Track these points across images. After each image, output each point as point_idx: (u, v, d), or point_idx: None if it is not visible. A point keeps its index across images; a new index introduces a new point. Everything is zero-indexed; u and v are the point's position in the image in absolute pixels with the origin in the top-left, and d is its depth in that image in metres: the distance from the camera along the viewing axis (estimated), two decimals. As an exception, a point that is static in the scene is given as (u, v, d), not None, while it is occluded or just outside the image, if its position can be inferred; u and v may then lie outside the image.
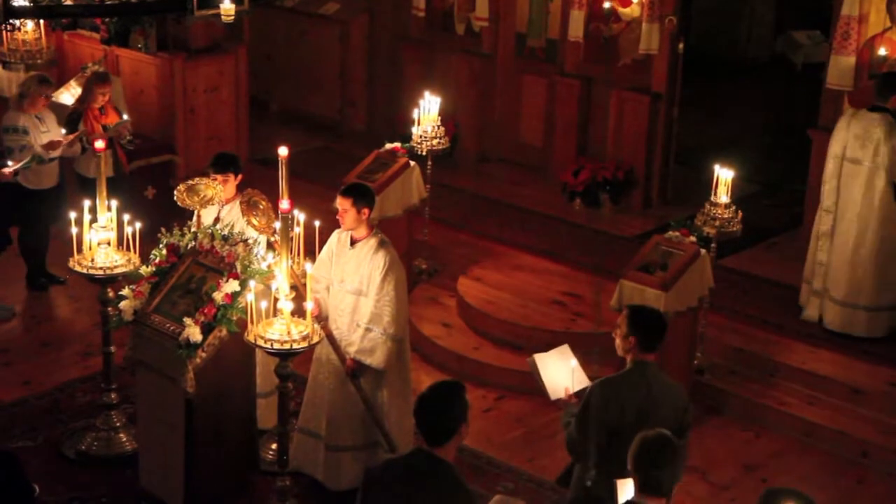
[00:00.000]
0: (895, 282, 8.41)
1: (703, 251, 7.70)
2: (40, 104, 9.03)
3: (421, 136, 9.11)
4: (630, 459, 4.57)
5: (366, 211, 6.62)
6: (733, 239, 8.19)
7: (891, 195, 8.24)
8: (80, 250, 7.02)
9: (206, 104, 10.91)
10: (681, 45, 10.32)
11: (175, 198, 7.08)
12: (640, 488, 4.54)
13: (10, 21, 9.40)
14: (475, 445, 7.39)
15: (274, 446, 7.01)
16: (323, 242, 6.85)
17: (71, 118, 9.29)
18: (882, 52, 8.96)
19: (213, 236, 6.77)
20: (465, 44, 11.58)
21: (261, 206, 6.66)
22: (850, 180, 8.35)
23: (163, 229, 7.00)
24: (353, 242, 6.71)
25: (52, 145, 8.90)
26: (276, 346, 5.98)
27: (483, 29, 11.39)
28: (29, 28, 10.10)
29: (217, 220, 7.22)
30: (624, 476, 4.76)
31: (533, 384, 8.17)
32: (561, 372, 5.90)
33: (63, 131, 9.05)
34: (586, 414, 5.52)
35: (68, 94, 9.95)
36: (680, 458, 4.56)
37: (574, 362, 5.91)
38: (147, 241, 7.13)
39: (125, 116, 9.37)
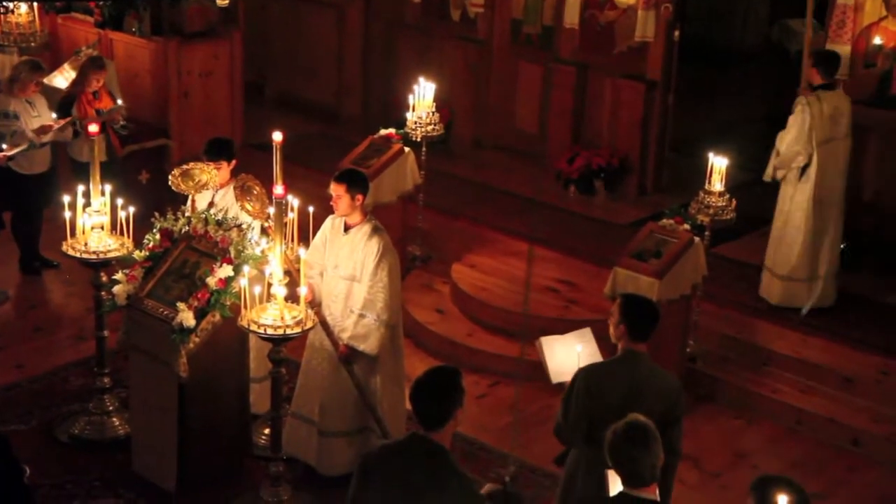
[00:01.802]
0: (827, 249, 8.55)
1: (696, 239, 7.72)
2: (31, 89, 9.00)
3: (416, 123, 9.10)
4: (606, 452, 4.57)
5: (360, 197, 6.61)
6: (727, 227, 8.21)
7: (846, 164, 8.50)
8: (73, 234, 7.02)
9: (200, 88, 10.89)
10: (676, 33, 10.31)
11: (169, 182, 7.07)
12: (623, 480, 4.54)
13: (4, 4, 9.40)
14: (468, 432, 7.40)
15: (267, 431, 7.02)
16: (317, 228, 6.85)
17: (64, 102, 9.28)
18: (877, 40, 8.97)
19: (207, 221, 6.76)
20: (461, 30, 11.56)
21: (255, 192, 6.65)
22: (831, 159, 8.41)
23: (156, 214, 6.99)
24: (346, 228, 6.70)
25: (42, 130, 8.88)
26: (270, 331, 5.98)
27: (479, 15, 11.37)
28: (22, 11, 10.06)
29: (211, 204, 7.21)
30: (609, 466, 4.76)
31: (525, 370, 8.25)
32: (569, 356, 5.90)
33: (54, 116, 9.03)
34: (570, 399, 5.54)
35: (62, 78, 9.92)
36: (657, 443, 4.51)
37: (580, 347, 5.90)
38: (141, 226, 7.12)
39: (119, 102, 9.35)
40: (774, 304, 8.65)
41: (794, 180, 8.45)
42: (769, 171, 8.57)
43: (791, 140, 8.40)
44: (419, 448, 4.48)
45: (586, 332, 6.18)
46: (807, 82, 8.49)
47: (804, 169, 8.41)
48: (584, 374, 5.54)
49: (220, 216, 6.82)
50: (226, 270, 6.48)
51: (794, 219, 8.50)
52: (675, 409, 5.45)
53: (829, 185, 8.46)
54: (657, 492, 4.58)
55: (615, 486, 4.72)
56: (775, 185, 8.66)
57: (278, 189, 5.91)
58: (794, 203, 8.49)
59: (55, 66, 10.32)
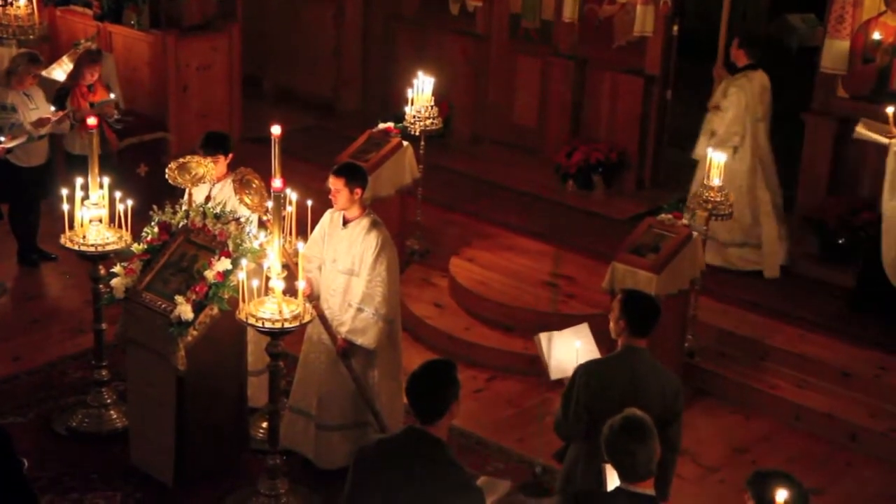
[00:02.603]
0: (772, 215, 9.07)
1: (694, 234, 7.71)
2: (28, 82, 9.00)
3: (414, 117, 9.09)
4: (602, 447, 4.57)
5: (358, 191, 6.61)
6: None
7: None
8: (71, 227, 7.01)
9: (198, 82, 10.88)
10: (675, 28, 10.31)
11: (167, 176, 7.07)
12: (619, 475, 4.54)
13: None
14: (465, 425, 7.41)
15: (265, 425, 7.01)
16: (315, 222, 6.84)
17: (59, 94, 9.27)
18: (876, 35, 8.96)
19: (205, 214, 6.76)
20: (460, 24, 11.55)
21: (253, 185, 6.65)
22: (762, 134, 9.03)
23: (154, 207, 6.99)
24: (345, 222, 6.70)
25: (40, 122, 8.87)
26: (268, 324, 5.98)
27: (477, 9, 11.36)
28: (21, 3, 10.05)
29: (209, 198, 7.21)
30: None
31: (523, 365, 8.26)
32: (567, 352, 5.90)
33: (51, 108, 9.02)
34: (570, 395, 5.54)
35: (60, 71, 9.92)
36: (654, 438, 4.51)
37: (579, 343, 5.90)
38: (139, 219, 7.12)
39: (111, 95, 9.33)
40: (739, 268, 9.11)
41: (730, 158, 8.67)
42: (699, 149, 9.03)
43: (730, 121, 8.93)
44: (415, 441, 4.49)
45: (583, 328, 6.18)
46: (724, 62, 9.11)
47: (734, 148, 8.93)
48: (584, 370, 5.54)
49: (218, 209, 6.82)
50: (224, 264, 6.48)
51: (738, 195, 8.81)
52: (673, 406, 5.44)
53: (763, 158, 9.06)
54: (653, 486, 4.58)
55: (612, 480, 4.72)
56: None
57: (277, 183, 5.90)
58: (732, 175, 8.75)
59: (54, 58, 10.32)
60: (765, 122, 9.08)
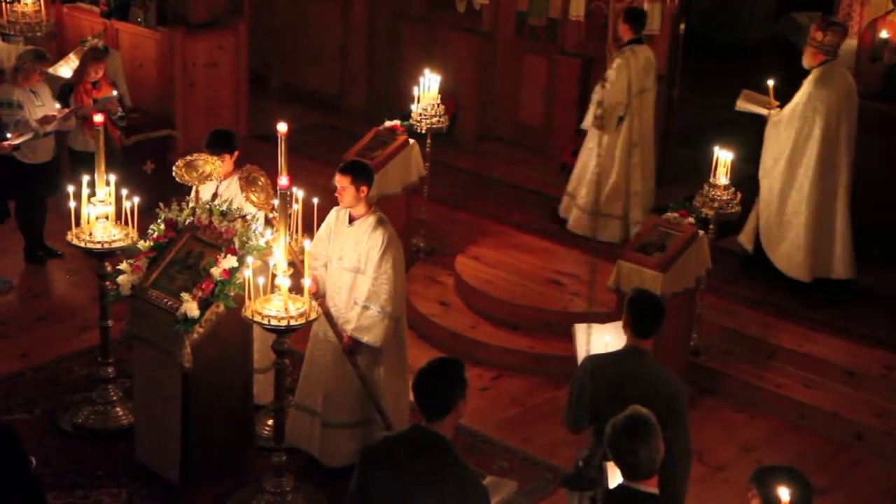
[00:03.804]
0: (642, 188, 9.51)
1: (701, 232, 7.71)
2: (34, 79, 9.01)
3: (420, 114, 9.09)
4: (606, 445, 4.57)
5: (364, 189, 6.61)
6: (732, 220, 8.20)
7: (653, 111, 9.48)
8: (78, 224, 7.02)
9: (205, 79, 10.89)
10: (682, 26, 10.30)
11: (173, 173, 7.07)
12: (622, 473, 4.54)
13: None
14: (471, 424, 7.41)
15: (270, 422, 7.03)
16: (321, 219, 6.84)
17: (63, 91, 9.28)
18: (884, 34, 8.96)
19: (211, 212, 6.77)
20: (466, 22, 11.54)
21: (259, 183, 6.65)
22: (644, 110, 9.37)
23: (161, 204, 7.00)
24: (351, 220, 6.70)
25: (46, 119, 8.88)
26: (274, 322, 5.99)
27: (484, 7, 11.35)
28: (29, 0, 10.06)
29: (215, 195, 7.22)
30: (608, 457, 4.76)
31: (529, 364, 8.26)
32: (598, 346, 5.91)
33: (57, 105, 9.03)
34: (572, 386, 5.60)
35: (67, 68, 9.92)
36: (657, 436, 4.50)
37: (609, 338, 5.91)
38: (145, 216, 7.13)
39: (114, 92, 9.33)
40: (571, 229, 9.60)
41: (612, 129, 9.30)
42: (588, 120, 9.43)
43: (614, 92, 9.21)
44: (421, 439, 4.49)
45: (619, 325, 6.17)
46: (613, 38, 9.56)
47: (620, 118, 9.32)
48: (591, 360, 5.61)
49: (224, 207, 6.82)
50: (230, 261, 6.48)
51: (611, 161, 9.35)
52: (670, 410, 5.38)
53: (642, 130, 9.43)
54: (657, 485, 4.58)
55: (614, 478, 4.72)
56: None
57: (283, 180, 5.90)
58: (608, 147, 9.35)
59: (60, 55, 10.32)
60: (649, 96, 9.39)
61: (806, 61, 8.55)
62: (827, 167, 8.46)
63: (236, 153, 7.34)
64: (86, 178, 6.91)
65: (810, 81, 8.48)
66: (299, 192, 6.58)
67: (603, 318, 5.95)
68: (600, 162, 9.39)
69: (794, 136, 8.50)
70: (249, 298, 6.06)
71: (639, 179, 9.52)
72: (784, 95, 9.17)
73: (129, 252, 6.91)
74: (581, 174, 9.61)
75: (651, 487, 4.53)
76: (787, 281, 8.65)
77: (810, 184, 8.48)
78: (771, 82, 8.59)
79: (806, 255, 8.58)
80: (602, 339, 5.93)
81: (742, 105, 8.78)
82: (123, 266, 6.80)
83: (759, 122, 8.84)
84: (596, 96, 9.41)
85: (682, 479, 5.57)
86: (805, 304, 8.60)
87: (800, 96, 8.52)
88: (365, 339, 6.63)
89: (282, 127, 6.08)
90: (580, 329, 6.05)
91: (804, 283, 8.64)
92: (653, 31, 10.21)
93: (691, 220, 7.74)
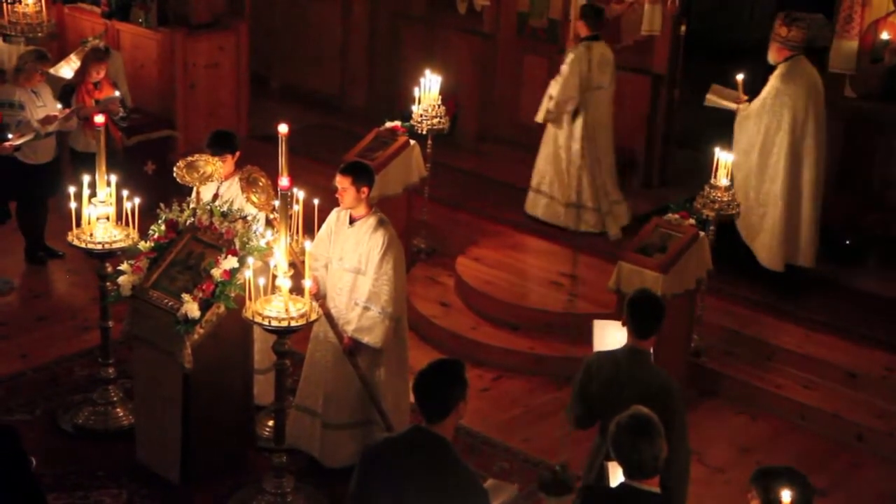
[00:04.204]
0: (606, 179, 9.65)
1: (701, 234, 7.71)
2: (36, 79, 9.01)
3: (421, 115, 9.09)
4: (609, 444, 4.58)
5: (365, 189, 6.61)
6: (732, 222, 8.20)
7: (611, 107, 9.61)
8: (79, 225, 7.02)
9: (206, 80, 10.89)
10: (683, 27, 10.30)
11: (174, 174, 7.07)
12: (625, 472, 4.55)
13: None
14: (471, 425, 7.41)
15: (271, 423, 7.02)
16: (322, 220, 6.84)
17: (64, 91, 9.28)
18: (885, 36, 8.96)
19: (212, 213, 6.77)
20: (467, 23, 11.54)
21: (260, 183, 6.65)
22: (599, 106, 9.46)
23: (162, 205, 7.00)
24: (352, 221, 6.70)
25: (47, 120, 8.88)
26: (274, 323, 5.99)
27: (485, 8, 11.35)
28: (30, 1, 10.06)
29: (216, 196, 7.22)
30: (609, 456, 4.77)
31: (529, 365, 8.26)
32: (614, 343, 5.93)
33: (59, 105, 9.04)
34: (575, 384, 5.66)
35: (68, 68, 9.93)
36: (660, 435, 4.52)
37: (620, 336, 5.92)
38: (146, 217, 7.13)
39: (116, 93, 9.33)
40: (536, 215, 9.78)
41: (568, 122, 9.45)
42: (541, 114, 9.56)
43: (564, 88, 9.35)
44: (421, 440, 4.49)
45: None
46: (574, 35, 9.52)
47: (576, 112, 9.41)
48: (595, 357, 5.68)
49: (225, 208, 6.82)
50: (231, 262, 6.48)
51: (572, 155, 9.48)
52: (668, 410, 5.36)
53: (598, 125, 9.52)
54: (659, 484, 4.58)
55: (616, 476, 4.73)
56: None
57: (283, 181, 5.91)
58: (567, 140, 9.47)
59: (61, 56, 10.33)
60: (604, 93, 9.47)
61: (771, 56, 8.70)
62: (796, 159, 8.60)
63: (237, 154, 7.34)
64: (86, 179, 6.91)
65: (776, 76, 8.64)
66: (300, 193, 6.57)
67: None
68: (562, 155, 9.55)
69: (763, 129, 8.65)
70: (250, 299, 6.06)
71: (600, 173, 9.62)
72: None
73: (129, 253, 6.91)
74: (542, 168, 9.76)
75: (653, 486, 4.54)
76: (762, 272, 8.77)
77: (782, 175, 8.64)
78: (740, 77, 8.72)
79: (780, 245, 8.72)
80: (618, 336, 5.94)
81: (711, 99, 8.94)
82: (124, 267, 6.80)
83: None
84: (549, 90, 9.54)
85: (681, 479, 5.58)
86: (777, 295, 8.73)
87: (767, 91, 8.68)
88: (365, 339, 6.63)
89: (282, 128, 6.08)
90: (599, 325, 6.07)
91: (777, 272, 8.79)
92: (654, 33, 10.22)
93: (692, 221, 7.73)
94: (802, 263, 8.79)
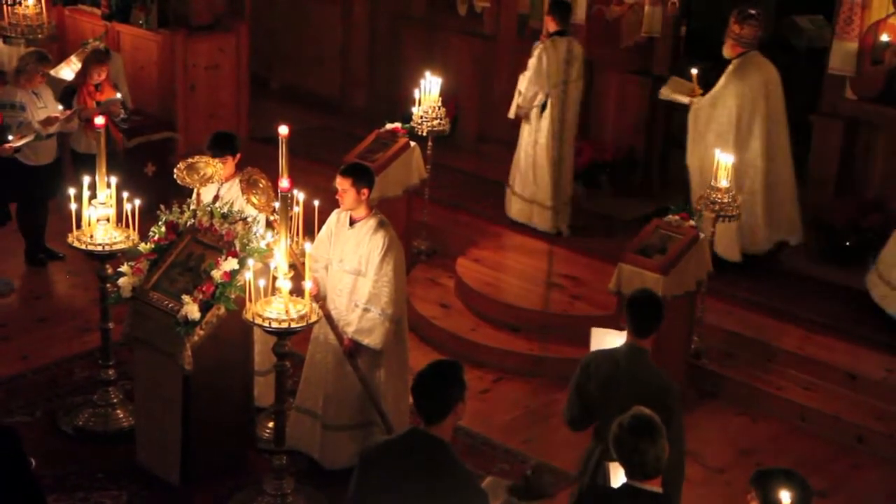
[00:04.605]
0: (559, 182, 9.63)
1: (701, 235, 7.71)
2: (37, 80, 9.01)
3: (421, 117, 9.10)
4: (611, 445, 4.58)
5: (365, 191, 6.61)
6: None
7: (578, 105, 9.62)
8: (79, 226, 7.02)
9: (206, 81, 10.90)
10: (683, 29, 10.30)
11: (175, 176, 7.07)
12: (627, 472, 4.55)
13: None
14: (471, 426, 7.41)
15: (271, 424, 7.02)
16: (322, 222, 6.85)
17: (65, 93, 9.29)
18: (884, 37, 8.96)
19: (212, 214, 6.77)
20: (467, 24, 11.54)
21: (260, 185, 6.66)
22: (566, 102, 9.45)
23: (162, 206, 7.00)
24: (352, 222, 6.70)
25: (48, 121, 8.88)
26: (275, 324, 5.99)
27: (485, 10, 11.36)
28: (30, 2, 10.07)
29: (216, 198, 7.22)
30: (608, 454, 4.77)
31: (529, 366, 8.26)
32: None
33: (60, 107, 9.04)
34: (572, 384, 5.67)
35: (69, 70, 9.94)
36: (662, 436, 4.52)
37: (619, 340, 5.93)
38: (146, 219, 7.13)
39: (118, 95, 9.34)
40: (512, 217, 9.79)
41: (536, 117, 9.46)
42: (512, 110, 9.61)
43: (530, 82, 9.39)
44: (419, 442, 4.49)
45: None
46: (546, 30, 9.51)
47: (543, 107, 9.43)
48: (593, 356, 5.68)
49: (225, 209, 6.83)
50: (231, 263, 6.48)
51: (537, 151, 9.51)
52: (665, 408, 5.36)
53: (565, 121, 9.48)
54: (661, 485, 4.58)
55: (617, 477, 4.73)
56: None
57: (284, 182, 5.91)
58: (536, 139, 9.50)
59: (62, 57, 10.34)
60: (571, 88, 9.47)
61: (725, 52, 8.93)
62: (744, 153, 8.71)
63: (238, 156, 7.35)
64: (86, 180, 6.91)
65: (728, 72, 8.87)
66: (300, 195, 6.58)
67: (607, 322, 5.94)
68: (529, 151, 9.60)
69: (714, 123, 8.86)
70: (250, 301, 6.06)
71: (566, 170, 9.66)
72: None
73: (129, 254, 6.92)
74: (516, 163, 9.80)
75: (655, 487, 4.54)
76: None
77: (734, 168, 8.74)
78: (694, 70, 9.04)
79: (736, 235, 8.85)
80: (616, 343, 5.94)
81: (665, 93, 9.19)
82: (124, 268, 6.80)
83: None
84: (518, 86, 9.59)
85: (675, 478, 5.58)
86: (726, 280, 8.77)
87: (718, 86, 8.89)
88: (366, 341, 6.63)
89: (283, 129, 6.08)
90: (597, 333, 6.07)
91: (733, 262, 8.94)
92: (654, 34, 10.23)
93: (692, 222, 7.73)
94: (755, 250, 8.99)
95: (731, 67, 8.86)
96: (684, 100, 9.05)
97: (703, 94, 8.96)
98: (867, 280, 8.50)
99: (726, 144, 8.70)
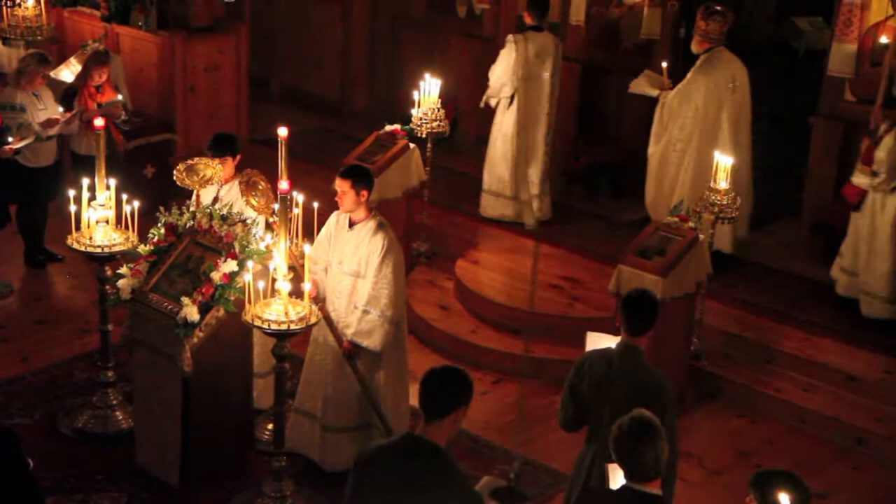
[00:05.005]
0: (534, 171, 9.68)
1: (701, 237, 7.71)
2: (38, 82, 9.01)
3: (421, 119, 9.10)
4: (610, 447, 4.58)
5: (364, 193, 6.61)
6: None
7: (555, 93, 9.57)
8: (78, 228, 7.02)
9: (206, 83, 10.90)
10: (682, 31, 10.30)
11: (174, 177, 7.08)
12: (626, 474, 4.55)
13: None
14: (471, 428, 7.40)
15: (270, 426, 7.02)
16: (321, 224, 6.85)
17: (66, 94, 9.29)
18: (884, 39, 8.95)
19: (211, 216, 6.77)
20: (467, 26, 11.55)
21: (260, 187, 6.66)
22: (534, 93, 9.52)
23: (161, 208, 7.00)
24: (351, 224, 6.70)
25: (49, 123, 8.89)
26: (274, 326, 5.99)
27: (484, 12, 11.36)
28: (29, 4, 10.08)
29: (216, 199, 7.22)
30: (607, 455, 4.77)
31: (529, 368, 8.25)
32: None
33: (60, 109, 9.04)
34: (566, 385, 5.68)
35: (68, 72, 9.94)
36: (661, 438, 4.52)
37: (614, 345, 5.93)
38: (146, 220, 7.13)
39: (119, 96, 9.34)
40: (486, 216, 9.85)
41: (504, 109, 9.62)
42: (483, 100, 9.81)
43: (499, 73, 9.55)
44: (414, 447, 4.48)
45: None
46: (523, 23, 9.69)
47: (512, 99, 9.54)
48: (588, 356, 5.70)
49: (224, 211, 6.83)
50: (230, 265, 6.49)
51: (502, 143, 9.63)
52: (659, 407, 5.33)
53: (532, 115, 9.55)
54: (660, 487, 4.58)
55: (616, 479, 4.73)
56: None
57: (283, 184, 5.91)
58: (502, 129, 9.63)
59: (61, 59, 10.34)
60: (540, 83, 9.52)
61: (693, 48, 9.15)
62: (708, 147, 8.77)
63: (238, 157, 7.35)
64: (86, 182, 6.91)
65: (695, 67, 9.08)
66: (299, 197, 6.58)
67: (607, 323, 5.94)
68: (497, 144, 9.72)
69: (679, 118, 9.04)
70: (249, 302, 6.06)
71: (524, 164, 9.68)
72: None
73: (129, 256, 6.92)
74: (490, 162, 9.89)
75: (655, 489, 4.54)
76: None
77: (692, 163, 9.00)
78: (664, 63, 9.28)
79: (729, 226, 8.86)
80: (609, 346, 5.95)
81: (635, 84, 9.33)
82: (124, 270, 6.80)
83: (759, 128, 8.89)
84: (489, 74, 9.72)
85: (668, 478, 5.58)
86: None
87: (685, 80, 9.07)
88: (365, 343, 6.63)
89: (282, 131, 6.08)
90: (592, 337, 6.07)
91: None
92: (653, 36, 10.23)
93: (691, 224, 7.74)
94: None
95: (697, 63, 9.04)
96: (653, 92, 9.22)
97: (672, 87, 9.15)
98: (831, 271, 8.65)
99: (690, 138, 8.91)
